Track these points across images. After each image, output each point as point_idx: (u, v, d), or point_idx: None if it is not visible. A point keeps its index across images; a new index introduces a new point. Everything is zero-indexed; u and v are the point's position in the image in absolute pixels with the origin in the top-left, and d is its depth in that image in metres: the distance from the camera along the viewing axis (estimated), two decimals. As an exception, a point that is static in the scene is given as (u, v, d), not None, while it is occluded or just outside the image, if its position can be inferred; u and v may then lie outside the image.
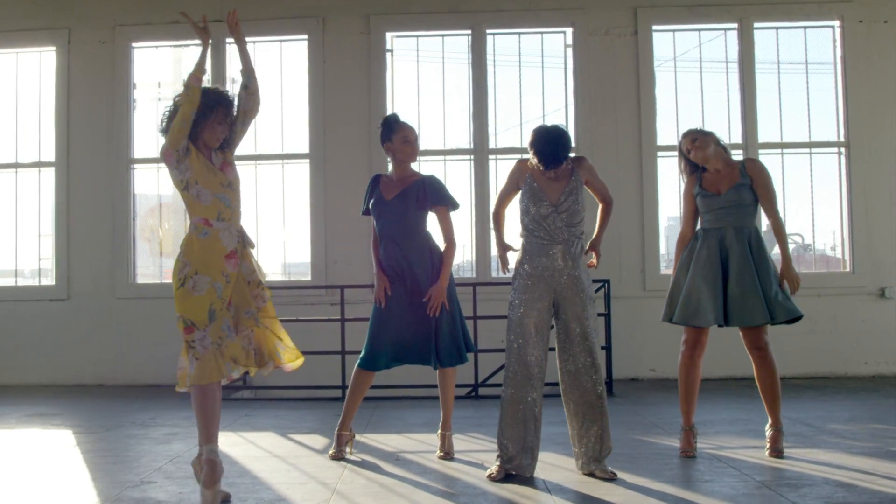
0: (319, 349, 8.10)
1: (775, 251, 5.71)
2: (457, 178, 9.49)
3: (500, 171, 9.23)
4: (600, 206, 5.15)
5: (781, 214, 5.44)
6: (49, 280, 9.68)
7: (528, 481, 4.64)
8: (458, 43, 9.59)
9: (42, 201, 9.73)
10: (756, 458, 5.16)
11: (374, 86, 9.37)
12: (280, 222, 9.61)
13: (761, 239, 5.31)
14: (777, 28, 9.49)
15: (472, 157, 9.39)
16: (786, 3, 9.31)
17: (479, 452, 5.48)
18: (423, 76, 9.62)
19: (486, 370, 8.13)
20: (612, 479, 4.66)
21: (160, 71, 9.91)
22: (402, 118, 5.48)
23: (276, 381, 7.90)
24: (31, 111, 9.84)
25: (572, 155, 4.96)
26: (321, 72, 9.40)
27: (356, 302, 8.63)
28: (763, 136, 9.30)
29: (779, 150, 9.27)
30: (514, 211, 5.03)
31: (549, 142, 4.76)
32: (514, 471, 4.71)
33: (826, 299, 9.06)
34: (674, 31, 9.51)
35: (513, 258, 4.99)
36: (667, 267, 9.10)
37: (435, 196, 5.35)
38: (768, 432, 5.32)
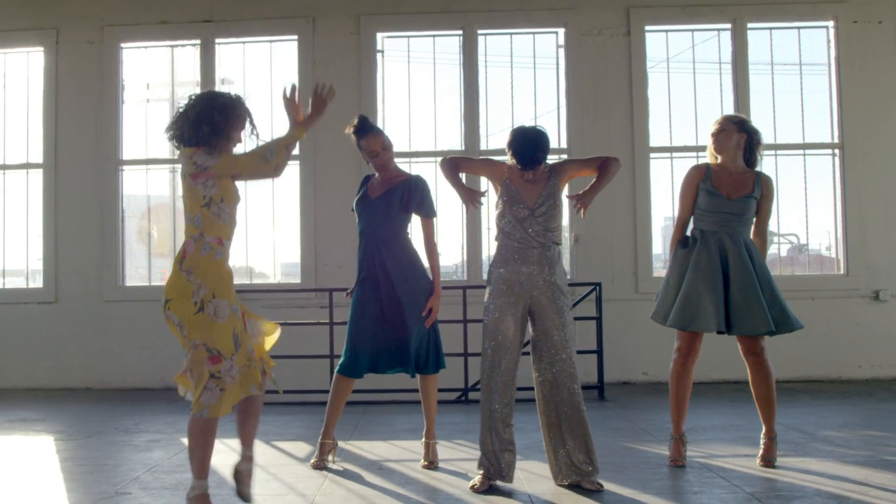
0: (308, 353, 8.05)
1: None
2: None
3: (492, 173, 9.12)
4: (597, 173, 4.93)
5: (774, 216, 5.37)
6: (37, 282, 9.60)
7: (512, 494, 4.55)
8: (449, 43, 9.50)
9: (30, 203, 9.63)
10: (747, 467, 5.09)
11: (365, 86, 9.29)
12: (270, 224, 9.51)
13: (755, 246, 5.22)
14: (771, 28, 9.40)
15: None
16: (780, 3, 9.23)
17: (464, 461, 5.39)
18: (414, 77, 9.54)
19: (475, 375, 8.04)
20: (598, 490, 4.58)
21: (149, 71, 9.82)
22: (371, 123, 5.43)
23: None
24: (19, 112, 9.75)
25: (552, 161, 4.90)
26: (311, 72, 9.31)
27: (346, 305, 8.51)
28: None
29: (772, 152, 9.17)
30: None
31: (527, 142, 4.68)
32: (495, 479, 4.63)
33: (820, 302, 8.98)
34: (667, 31, 9.41)
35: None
36: (663, 268, 9.02)
37: (418, 200, 5.31)
38: (762, 441, 5.24)
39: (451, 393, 7.91)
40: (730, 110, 9.20)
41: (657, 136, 9.29)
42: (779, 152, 9.27)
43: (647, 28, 9.29)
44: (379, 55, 9.41)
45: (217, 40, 9.49)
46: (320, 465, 5.19)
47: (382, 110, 9.39)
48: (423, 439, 5.39)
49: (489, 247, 9.08)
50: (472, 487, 4.62)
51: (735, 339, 5.22)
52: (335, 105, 9.91)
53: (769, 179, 5.28)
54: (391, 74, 9.53)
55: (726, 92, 9.31)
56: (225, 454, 5.60)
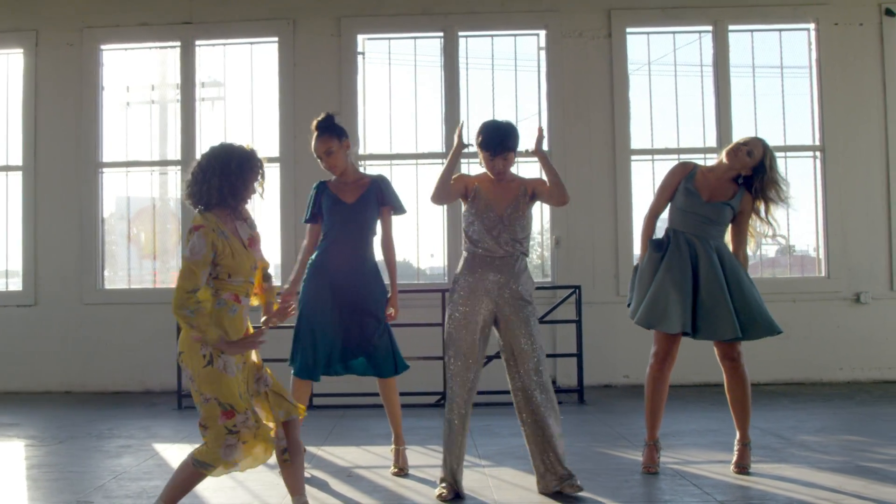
0: (279, 357, 7.98)
1: None
2: (428, 182, 9.36)
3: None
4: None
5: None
6: (16, 285, 9.53)
7: (479, 502, 4.51)
8: (430, 45, 9.46)
9: (9, 205, 9.57)
10: (721, 474, 5.05)
11: (346, 88, 9.24)
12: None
13: (728, 252, 5.19)
14: (752, 31, 9.39)
15: (444, 160, 9.23)
16: (761, 5, 9.21)
17: (436, 468, 5.31)
18: (394, 79, 9.50)
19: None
20: (576, 492, 4.54)
21: (129, 73, 9.75)
22: (331, 124, 5.36)
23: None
24: (-1, 114, 9.70)
25: (529, 177, 4.87)
26: (292, 74, 9.28)
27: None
28: (738, 139, 9.17)
29: (754, 154, 9.13)
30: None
31: (497, 129, 4.68)
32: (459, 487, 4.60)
33: (801, 304, 8.97)
34: (648, 33, 9.38)
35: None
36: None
37: (389, 196, 5.33)
38: (736, 447, 5.21)
39: (430, 397, 7.89)
40: (711, 113, 9.20)
41: (638, 138, 9.26)
42: (760, 155, 9.23)
43: (628, 30, 9.26)
44: (359, 57, 9.37)
45: (197, 42, 9.44)
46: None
47: (363, 112, 9.35)
48: (392, 446, 5.36)
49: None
50: (438, 496, 4.57)
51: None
52: (316, 107, 9.89)
53: (752, 198, 5.18)
54: (372, 76, 9.49)
55: (707, 94, 9.29)
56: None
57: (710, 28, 9.26)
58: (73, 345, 9.19)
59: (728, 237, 5.27)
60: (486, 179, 4.76)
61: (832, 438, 6.15)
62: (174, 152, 9.58)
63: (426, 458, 5.63)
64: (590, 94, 9.20)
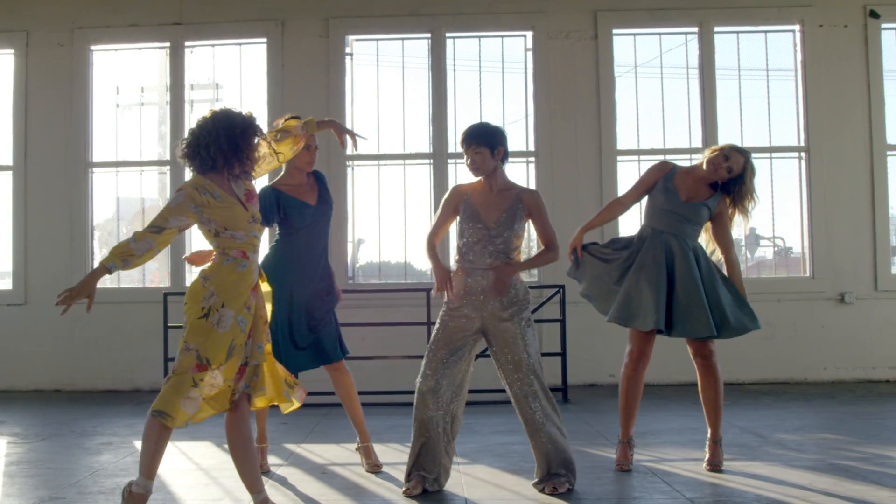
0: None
1: None
2: (416, 182, 9.44)
3: (460, 176, 9.13)
4: (542, 247, 4.83)
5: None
6: (6, 284, 9.58)
7: (448, 498, 4.55)
8: (418, 47, 9.52)
9: (-1, 205, 9.64)
10: (693, 471, 5.09)
11: (334, 89, 9.29)
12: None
13: (704, 252, 5.22)
14: (738, 32, 9.43)
15: (432, 161, 9.31)
16: (746, 7, 9.25)
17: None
18: (382, 80, 9.56)
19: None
20: (560, 492, 4.58)
21: (119, 74, 9.81)
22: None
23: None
24: (-11, 114, 9.75)
25: (527, 187, 4.89)
26: (280, 75, 9.33)
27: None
28: (723, 140, 9.16)
29: (740, 155, 9.17)
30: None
31: (471, 125, 4.74)
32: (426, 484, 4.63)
33: (786, 304, 9.01)
34: (634, 35, 9.43)
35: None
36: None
37: (329, 193, 5.31)
38: (707, 445, 5.25)
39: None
40: (697, 114, 9.25)
41: (625, 139, 9.31)
42: (746, 155, 9.27)
43: (614, 31, 9.31)
44: (348, 58, 9.42)
45: (186, 43, 9.49)
46: (263, 469, 5.12)
47: (351, 113, 9.40)
48: (357, 443, 5.30)
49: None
50: (405, 493, 4.59)
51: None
52: (304, 108, 9.97)
53: (727, 206, 5.22)
54: (360, 77, 9.54)
55: (693, 96, 9.34)
56: (174, 458, 5.61)
57: (695, 29, 9.30)
58: (63, 344, 9.23)
59: (707, 242, 5.32)
60: (479, 189, 4.74)
61: (809, 437, 6.18)
62: (164, 152, 9.62)
63: (404, 456, 5.64)
64: (576, 94, 9.24)
